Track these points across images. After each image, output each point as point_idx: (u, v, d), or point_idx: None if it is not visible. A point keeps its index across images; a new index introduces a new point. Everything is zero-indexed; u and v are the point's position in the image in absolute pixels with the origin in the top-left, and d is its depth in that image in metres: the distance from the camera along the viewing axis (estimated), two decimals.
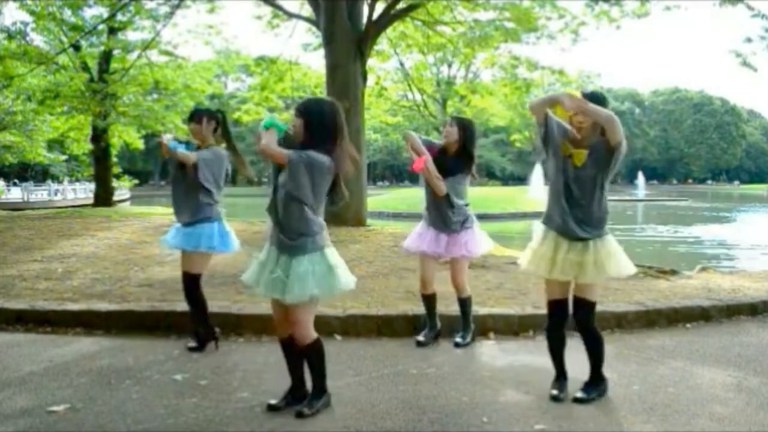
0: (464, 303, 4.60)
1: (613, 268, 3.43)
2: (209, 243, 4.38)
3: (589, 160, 3.36)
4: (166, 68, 18.31)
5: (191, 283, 4.44)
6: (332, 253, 3.27)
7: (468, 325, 4.62)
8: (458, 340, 4.56)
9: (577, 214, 3.40)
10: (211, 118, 4.47)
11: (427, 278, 4.58)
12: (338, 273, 3.23)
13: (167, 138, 4.32)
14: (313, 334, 3.28)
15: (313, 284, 3.16)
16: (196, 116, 4.50)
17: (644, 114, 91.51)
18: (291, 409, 3.29)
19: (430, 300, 4.61)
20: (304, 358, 3.34)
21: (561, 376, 3.61)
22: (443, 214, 4.49)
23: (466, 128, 4.49)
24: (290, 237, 3.19)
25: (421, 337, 4.56)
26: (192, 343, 4.46)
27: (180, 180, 4.43)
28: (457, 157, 4.47)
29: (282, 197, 3.19)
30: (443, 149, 4.52)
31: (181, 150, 4.29)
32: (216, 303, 4.88)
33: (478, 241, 4.59)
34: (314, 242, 3.19)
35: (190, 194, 4.38)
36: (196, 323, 4.48)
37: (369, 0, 11.47)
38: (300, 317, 3.23)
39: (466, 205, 4.56)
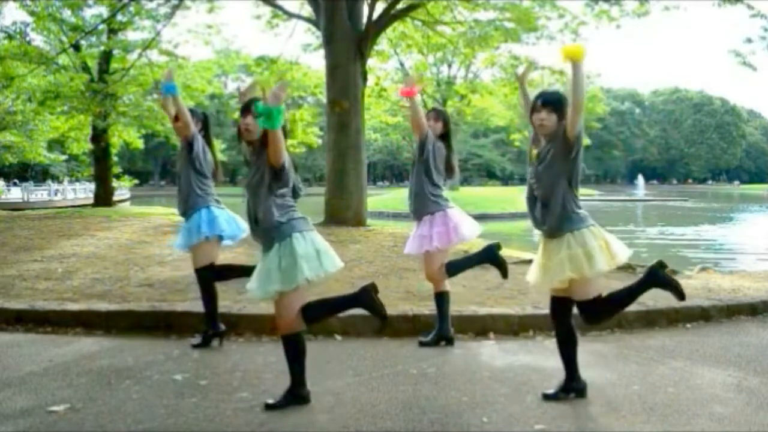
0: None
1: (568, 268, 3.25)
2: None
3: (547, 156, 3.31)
4: (166, 68, 18.29)
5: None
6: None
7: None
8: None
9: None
10: (198, 120, 4.61)
11: (426, 275, 4.59)
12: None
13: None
14: (295, 327, 3.30)
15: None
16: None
17: (644, 114, 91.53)
18: (290, 408, 3.30)
19: (435, 298, 4.56)
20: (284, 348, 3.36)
21: (566, 376, 3.50)
22: (412, 196, 4.53)
23: (447, 121, 4.68)
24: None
25: (423, 338, 4.57)
26: (195, 340, 4.51)
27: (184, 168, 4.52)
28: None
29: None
30: None
31: None
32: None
33: (441, 233, 4.39)
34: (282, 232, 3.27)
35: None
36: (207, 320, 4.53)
37: (369, 0, 11.47)
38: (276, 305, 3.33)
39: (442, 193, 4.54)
